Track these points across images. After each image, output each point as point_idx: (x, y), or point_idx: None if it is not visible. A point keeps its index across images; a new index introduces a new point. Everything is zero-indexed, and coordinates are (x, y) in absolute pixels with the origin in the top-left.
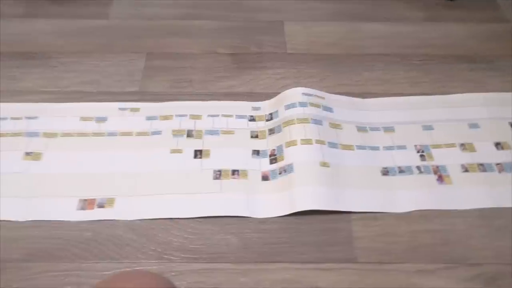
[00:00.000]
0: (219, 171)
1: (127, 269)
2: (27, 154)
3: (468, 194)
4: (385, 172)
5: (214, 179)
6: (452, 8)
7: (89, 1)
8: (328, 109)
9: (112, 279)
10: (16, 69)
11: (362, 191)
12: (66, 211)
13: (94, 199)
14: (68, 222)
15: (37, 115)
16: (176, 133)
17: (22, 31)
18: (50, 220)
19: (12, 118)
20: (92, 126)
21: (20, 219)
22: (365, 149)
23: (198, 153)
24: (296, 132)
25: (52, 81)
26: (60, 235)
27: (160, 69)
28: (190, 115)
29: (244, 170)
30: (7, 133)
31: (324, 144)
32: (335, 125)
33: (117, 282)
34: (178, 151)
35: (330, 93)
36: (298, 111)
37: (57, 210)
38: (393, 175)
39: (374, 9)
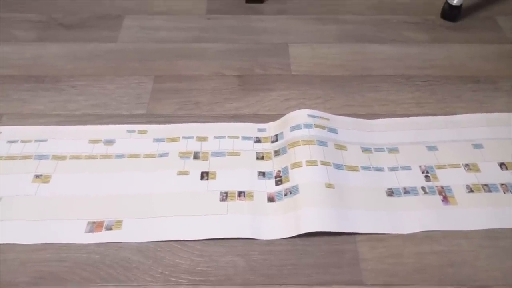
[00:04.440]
0: (226, 192)
1: None
2: (37, 176)
3: (473, 215)
4: (390, 193)
5: (220, 200)
6: (455, 30)
7: (99, 25)
8: (333, 130)
9: None
10: (27, 92)
11: (367, 212)
12: (74, 233)
13: (102, 221)
14: (76, 244)
15: (47, 137)
16: (183, 155)
17: (34, 55)
18: (58, 243)
19: (22, 141)
20: (100, 149)
21: (28, 242)
22: (370, 170)
23: (204, 175)
24: (301, 153)
25: (62, 104)
26: (68, 258)
27: (167, 92)
28: (197, 137)
29: (250, 192)
30: (17, 156)
31: (329, 166)
32: (340, 146)
33: None
34: (185, 172)
35: (335, 114)
36: (303, 133)
37: (65, 232)
38: (398, 196)
39: (379, 31)
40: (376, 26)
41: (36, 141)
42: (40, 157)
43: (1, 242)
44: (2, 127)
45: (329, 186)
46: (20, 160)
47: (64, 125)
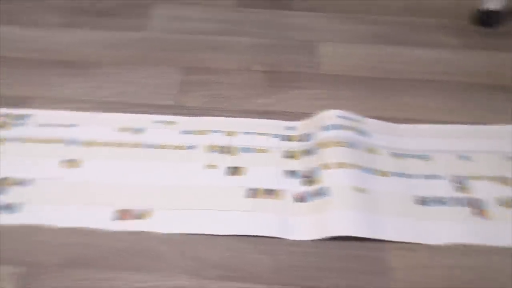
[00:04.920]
0: (253, 189)
1: (164, 282)
2: (66, 161)
3: (506, 230)
4: (420, 201)
5: (247, 197)
6: (490, 36)
7: (129, 13)
8: (364, 133)
9: None
10: (58, 77)
11: (397, 220)
12: (102, 220)
13: (131, 210)
14: (104, 231)
15: (77, 123)
16: (211, 148)
17: (64, 41)
18: (87, 227)
19: (53, 125)
20: (129, 137)
21: (58, 225)
22: (399, 176)
23: (232, 170)
24: (332, 155)
25: (91, 90)
26: (96, 243)
27: (196, 84)
28: (225, 131)
29: (278, 190)
30: (48, 140)
31: (359, 169)
32: (370, 150)
33: None
34: (213, 166)
35: (365, 116)
36: (334, 134)
37: (93, 218)
38: (428, 205)
39: (412, 33)
40: (407, 28)
41: (66, 126)
42: (70, 142)
43: (33, 223)
44: (34, 110)
45: (359, 190)
46: (51, 144)
47: (93, 111)
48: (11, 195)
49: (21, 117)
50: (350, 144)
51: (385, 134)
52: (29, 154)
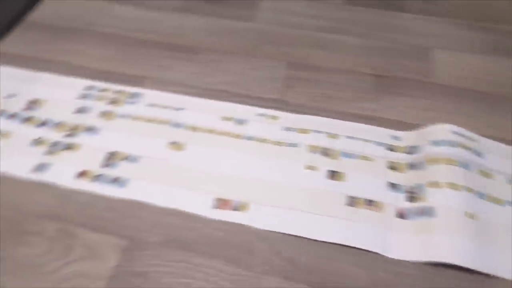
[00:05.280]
0: (353, 197)
1: (255, 279)
2: (171, 143)
3: None
4: None
5: (347, 205)
6: None
7: (239, 3)
8: (479, 154)
9: None
10: (168, 60)
11: (510, 255)
12: (202, 206)
13: (229, 200)
14: (203, 217)
15: (183, 107)
16: (312, 149)
17: (177, 25)
18: (186, 211)
19: (161, 107)
20: (231, 127)
21: (160, 205)
22: None
23: (332, 174)
24: (442, 173)
25: (199, 76)
26: (194, 228)
27: (301, 80)
28: (328, 133)
29: (380, 202)
30: (155, 120)
31: (471, 192)
32: (485, 174)
33: None
34: (313, 168)
35: (481, 136)
36: (446, 151)
37: (194, 203)
38: None
39: None
40: None
41: (173, 108)
42: (176, 125)
43: (137, 199)
44: (145, 89)
45: (470, 216)
46: (158, 124)
47: (199, 97)
48: (119, 170)
49: (133, 95)
50: (463, 164)
51: (501, 157)
52: (137, 132)
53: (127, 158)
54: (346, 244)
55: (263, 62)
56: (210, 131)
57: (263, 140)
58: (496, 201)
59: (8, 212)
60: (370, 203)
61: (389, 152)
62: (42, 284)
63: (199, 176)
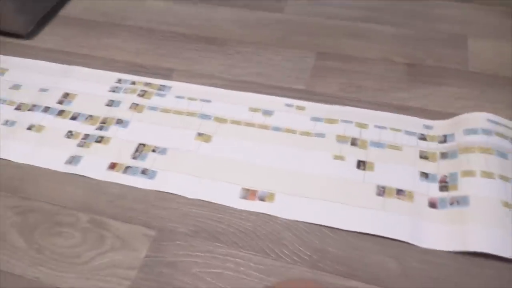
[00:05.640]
0: (383, 187)
1: (283, 269)
2: (199, 134)
3: None
4: None
5: (376, 195)
6: None
7: None
8: None
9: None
10: (196, 52)
11: None
12: (229, 197)
13: (256, 191)
14: (231, 208)
15: (211, 98)
16: (340, 139)
17: (207, 17)
18: (214, 202)
19: (189, 98)
20: (259, 118)
21: (189, 196)
22: None
23: (361, 164)
24: (476, 161)
25: (227, 68)
26: (223, 219)
27: (330, 70)
28: (356, 122)
29: (410, 192)
30: (183, 112)
31: (508, 182)
32: None
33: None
34: (341, 158)
35: None
36: (480, 139)
37: (221, 194)
38: None
39: None
40: None
41: (201, 100)
42: (204, 116)
43: (165, 191)
44: (173, 82)
45: (506, 205)
46: (186, 116)
47: (227, 89)
48: (147, 161)
49: (162, 87)
50: (498, 152)
51: None
52: (166, 124)
53: (155, 149)
54: (375, 233)
55: (292, 53)
56: (237, 123)
57: (291, 131)
58: None
59: (43, 204)
60: (400, 192)
61: (420, 141)
62: (77, 274)
63: (226, 167)
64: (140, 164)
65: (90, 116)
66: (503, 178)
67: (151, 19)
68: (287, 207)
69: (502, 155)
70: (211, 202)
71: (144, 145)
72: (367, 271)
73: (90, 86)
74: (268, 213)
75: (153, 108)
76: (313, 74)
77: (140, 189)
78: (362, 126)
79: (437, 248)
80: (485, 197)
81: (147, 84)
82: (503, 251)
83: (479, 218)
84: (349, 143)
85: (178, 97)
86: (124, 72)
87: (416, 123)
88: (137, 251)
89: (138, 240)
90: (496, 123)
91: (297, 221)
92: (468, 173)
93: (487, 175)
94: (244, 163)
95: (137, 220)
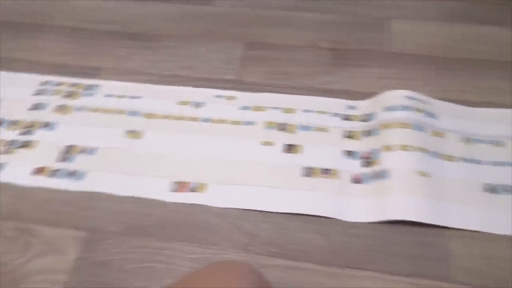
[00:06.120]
0: (310, 168)
1: (217, 256)
2: (129, 132)
3: None
4: (489, 189)
5: (304, 176)
6: None
7: None
8: (431, 115)
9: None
10: (124, 49)
11: (462, 207)
12: (161, 191)
13: (188, 182)
14: (162, 201)
15: (140, 95)
16: (269, 125)
17: (134, 13)
18: (145, 197)
19: (117, 96)
20: (188, 111)
21: (119, 194)
22: (468, 161)
23: (289, 148)
24: (395, 136)
25: (154, 63)
26: (154, 213)
27: (258, 59)
28: (284, 108)
29: (335, 170)
30: (112, 110)
31: (425, 152)
32: (437, 133)
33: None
34: (269, 143)
35: (435, 99)
36: (399, 115)
37: (152, 188)
38: (498, 193)
39: (494, 11)
40: (492, 6)
41: (129, 97)
42: (133, 113)
43: (94, 191)
44: (101, 81)
45: (423, 174)
46: (115, 114)
47: (156, 84)
48: (76, 163)
49: (89, 87)
50: (416, 126)
51: (454, 117)
52: (94, 124)
53: (84, 150)
54: (303, 212)
55: (221, 44)
56: (167, 117)
57: (220, 121)
58: (449, 158)
59: None
60: (326, 171)
61: (344, 121)
62: (4, 286)
63: (157, 162)
64: (68, 166)
65: (15, 121)
66: (421, 149)
67: (78, 18)
68: (219, 196)
69: (419, 128)
70: (142, 198)
71: (71, 146)
72: (296, 249)
73: (14, 90)
74: (200, 203)
75: (80, 109)
76: (242, 64)
77: (69, 191)
78: (289, 111)
79: (361, 221)
80: (403, 168)
81: (73, 84)
82: (422, 217)
83: (397, 188)
84: (277, 128)
85: (107, 95)
86: (49, 74)
87: (340, 105)
88: (67, 254)
89: (67, 243)
90: (414, 99)
91: (229, 208)
92: (388, 148)
93: (405, 148)
94: (175, 156)
95: (65, 223)
